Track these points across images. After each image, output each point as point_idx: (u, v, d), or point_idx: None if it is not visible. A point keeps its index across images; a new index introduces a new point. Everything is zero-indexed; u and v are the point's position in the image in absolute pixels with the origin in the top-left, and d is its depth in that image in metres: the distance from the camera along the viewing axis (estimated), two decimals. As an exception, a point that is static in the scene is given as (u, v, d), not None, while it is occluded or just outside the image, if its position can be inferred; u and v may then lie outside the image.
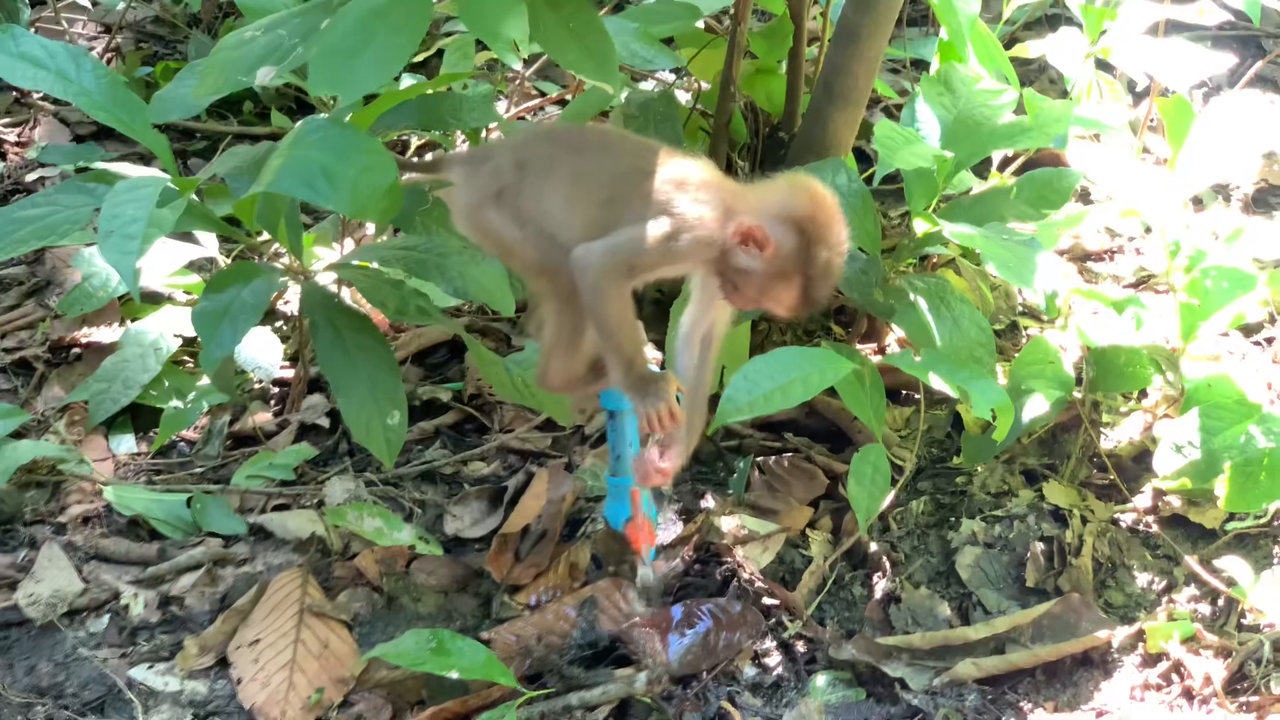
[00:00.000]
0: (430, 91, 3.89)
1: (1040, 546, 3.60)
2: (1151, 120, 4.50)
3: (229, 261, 4.30)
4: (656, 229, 2.96)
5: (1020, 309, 4.39)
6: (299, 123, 3.24)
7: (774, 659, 3.42)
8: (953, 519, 3.73)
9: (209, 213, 3.41)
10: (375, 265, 3.61)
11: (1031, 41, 4.40)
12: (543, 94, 5.51)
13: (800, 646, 3.44)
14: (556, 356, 3.20)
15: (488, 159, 3.18)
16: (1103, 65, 4.38)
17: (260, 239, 4.15)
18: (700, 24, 4.30)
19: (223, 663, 3.42)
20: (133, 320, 4.33)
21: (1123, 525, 3.74)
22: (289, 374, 4.30)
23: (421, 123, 3.84)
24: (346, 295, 3.67)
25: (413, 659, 3.18)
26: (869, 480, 3.47)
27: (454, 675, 3.15)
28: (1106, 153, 3.69)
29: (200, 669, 3.41)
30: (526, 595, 3.56)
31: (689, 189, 3.00)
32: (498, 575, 3.61)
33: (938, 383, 3.35)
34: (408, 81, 5.19)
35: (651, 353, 3.27)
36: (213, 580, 3.65)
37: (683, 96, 4.55)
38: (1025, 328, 4.32)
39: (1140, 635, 3.41)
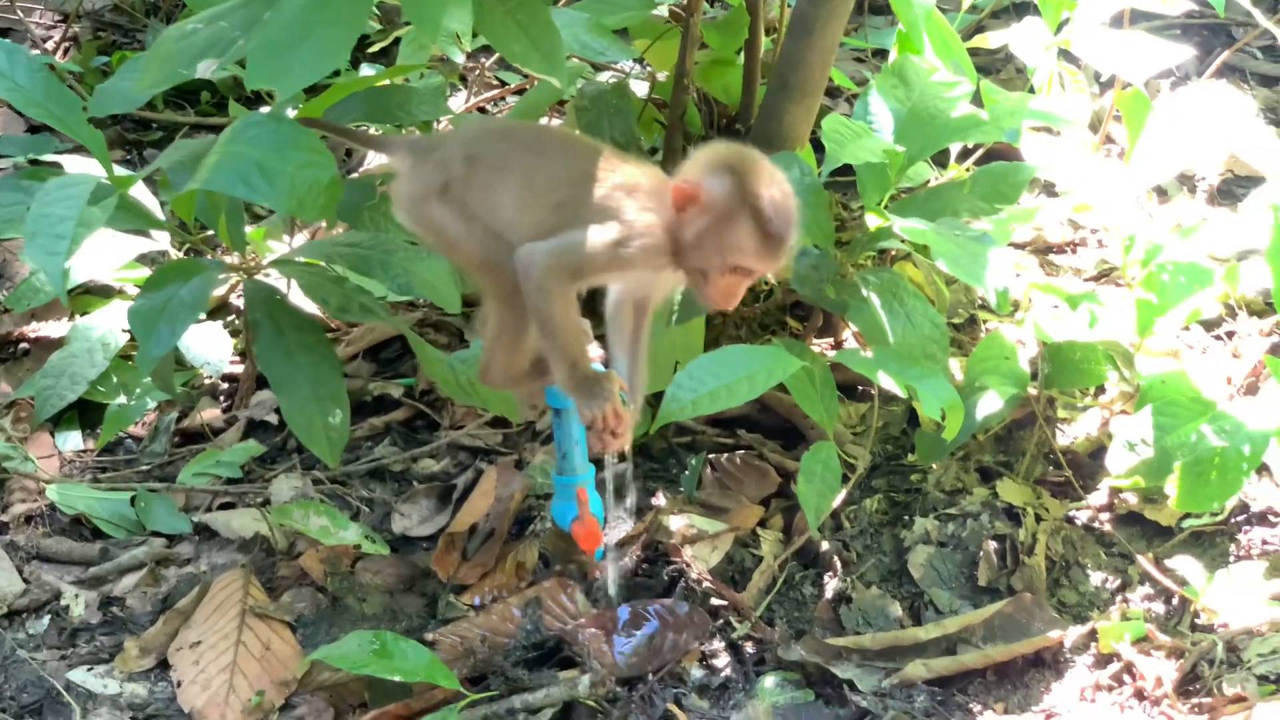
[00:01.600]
0: (381, 84, 3.84)
1: (993, 545, 3.56)
2: (1116, 112, 4.45)
3: (181, 255, 4.25)
4: (605, 234, 2.92)
5: (979, 303, 4.34)
6: (238, 118, 3.19)
7: (722, 660, 3.37)
8: (906, 517, 3.68)
9: (145, 210, 3.36)
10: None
11: (995, 32, 4.34)
12: (504, 84, 5.45)
13: (749, 647, 3.40)
14: (499, 353, 3.16)
15: (436, 149, 3.12)
16: (1070, 55, 4.33)
17: (210, 232, 4.09)
18: (663, 10, 4.24)
19: (163, 665, 3.38)
20: (82, 315, 4.27)
21: (1077, 523, 3.70)
22: (240, 369, 4.24)
23: (369, 115, 3.80)
24: (296, 291, 3.61)
25: (354, 662, 3.13)
26: (819, 479, 3.43)
27: (396, 678, 3.11)
28: (1061, 147, 3.65)
29: (140, 671, 3.37)
30: (472, 595, 3.51)
31: (638, 197, 2.96)
32: (443, 575, 3.56)
33: (887, 381, 3.31)
34: (368, 72, 5.14)
35: (593, 350, 3.21)
36: (155, 580, 3.60)
37: (643, 88, 4.49)
38: (984, 321, 4.27)
39: (1093, 635, 3.37)
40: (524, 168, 3.04)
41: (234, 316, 4.41)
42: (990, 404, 3.59)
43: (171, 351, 3.45)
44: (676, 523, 3.63)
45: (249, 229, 4.49)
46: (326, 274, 3.43)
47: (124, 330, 4.10)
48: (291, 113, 3.45)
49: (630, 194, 2.96)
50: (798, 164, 3.65)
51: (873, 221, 3.57)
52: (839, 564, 3.58)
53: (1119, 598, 3.52)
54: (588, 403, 3.03)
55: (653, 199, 2.96)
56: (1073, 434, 3.89)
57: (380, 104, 3.74)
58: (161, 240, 4.02)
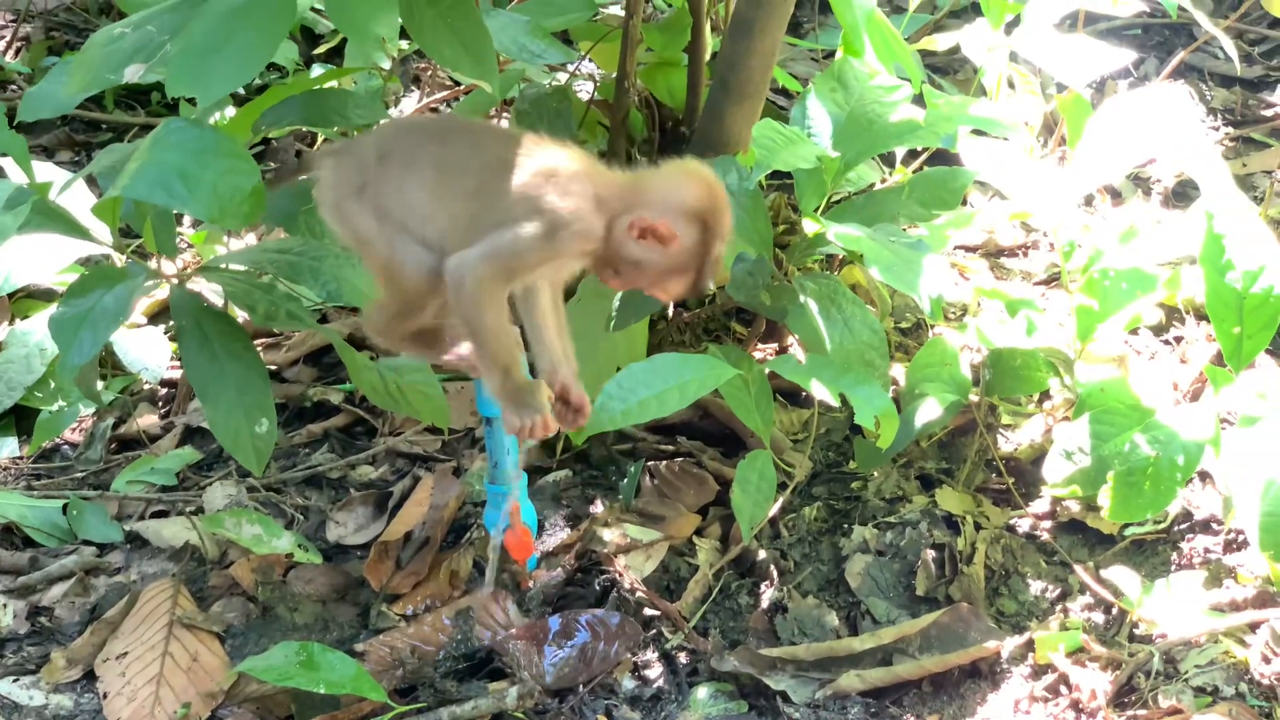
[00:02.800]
0: (324, 86, 3.80)
1: (931, 554, 3.53)
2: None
3: (125, 259, 4.21)
4: (532, 229, 2.84)
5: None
6: (161, 123, 3.15)
7: (654, 671, 3.34)
8: (845, 525, 3.65)
9: (68, 215, 3.30)
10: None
11: (943, 34, 4.31)
12: (457, 84, 5.41)
13: (682, 658, 3.36)
14: (380, 319, 3.13)
15: (351, 150, 3.08)
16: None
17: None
18: (616, 8, 4.20)
19: (90, 676, 3.35)
20: (23, 319, 4.23)
21: (1019, 531, 3.67)
22: (178, 374, 4.20)
23: (306, 119, 3.74)
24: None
25: (280, 674, 3.11)
26: (754, 488, 3.40)
27: (322, 690, 3.08)
28: (999, 151, 3.61)
29: (67, 682, 3.33)
30: (405, 605, 3.48)
31: (560, 180, 2.88)
32: (375, 584, 3.53)
33: (820, 390, 3.28)
34: (319, 73, 5.10)
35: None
36: (84, 590, 3.57)
37: (588, 91, 4.45)
38: (931, 326, 4.24)
39: (1031, 645, 3.33)
40: (433, 158, 2.97)
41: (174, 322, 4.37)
42: (930, 411, 3.56)
43: (95, 359, 3.40)
44: (611, 533, 3.59)
45: (192, 232, 4.48)
46: (255, 281, 3.38)
47: (63, 336, 4.07)
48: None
49: (551, 179, 2.88)
50: (735, 169, 3.61)
51: (810, 227, 3.54)
52: (775, 573, 3.54)
53: (1059, 607, 3.49)
54: (517, 412, 2.99)
55: (577, 183, 2.89)
56: (1016, 441, 3.85)
57: (317, 107, 3.68)
58: (105, 244, 3.99)
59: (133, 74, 3.20)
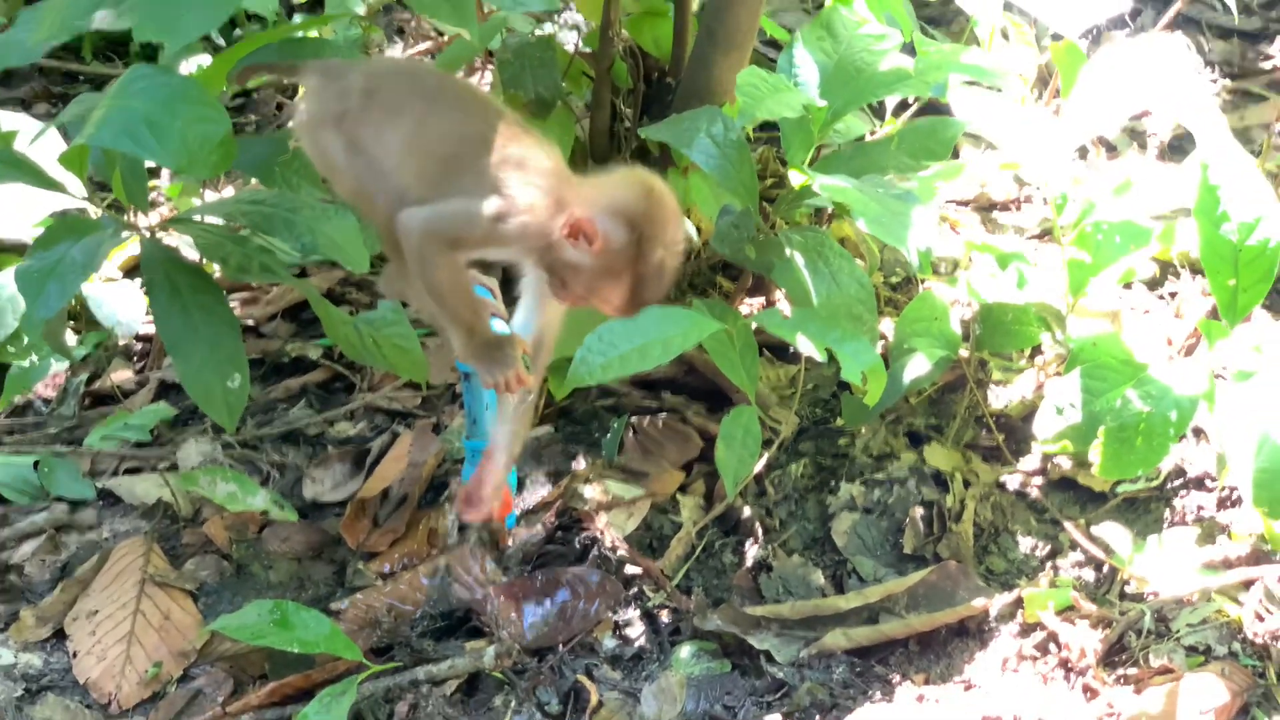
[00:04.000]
0: (302, 34, 3.72)
1: (920, 511, 3.46)
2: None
3: (99, 211, 4.14)
4: (485, 207, 2.81)
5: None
6: (126, 70, 3.07)
7: (635, 630, 3.28)
8: (832, 483, 3.58)
9: (33, 165, 3.22)
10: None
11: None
12: (440, 34, 5.32)
13: (664, 617, 3.30)
14: (408, 288, 3.11)
15: (340, 76, 3.03)
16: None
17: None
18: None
19: (60, 634, 3.30)
20: (-4, 273, 4.16)
21: (1008, 489, 3.60)
22: (153, 329, 4.12)
23: (285, 58, 3.67)
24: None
25: (253, 632, 3.05)
26: (739, 444, 3.33)
27: (296, 649, 3.02)
28: (990, 101, 3.52)
29: (36, 641, 3.28)
30: (381, 563, 3.42)
31: (527, 172, 2.85)
32: (352, 542, 3.46)
33: (805, 345, 3.20)
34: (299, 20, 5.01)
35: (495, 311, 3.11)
36: (55, 548, 3.50)
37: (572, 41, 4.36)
38: (921, 281, 4.15)
39: (1019, 604, 3.26)
40: (418, 113, 2.93)
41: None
42: (918, 366, 3.49)
43: (64, 313, 3.35)
44: (591, 490, 3.52)
45: (167, 184, 4.40)
46: (227, 234, 3.30)
47: (36, 289, 3.99)
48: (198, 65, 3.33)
49: (519, 168, 2.85)
50: (721, 119, 3.51)
51: (796, 179, 3.46)
52: (760, 531, 3.47)
53: (1048, 565, 3.43)
54: (488, 369, 2.93)
55: (543, 179, 2.86)
56: (1006, 397, 3.77)
57: (293, 55, 3.60)
58: (77, 196, 3.92)
59: (102, 20, 3.10)
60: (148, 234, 3.28)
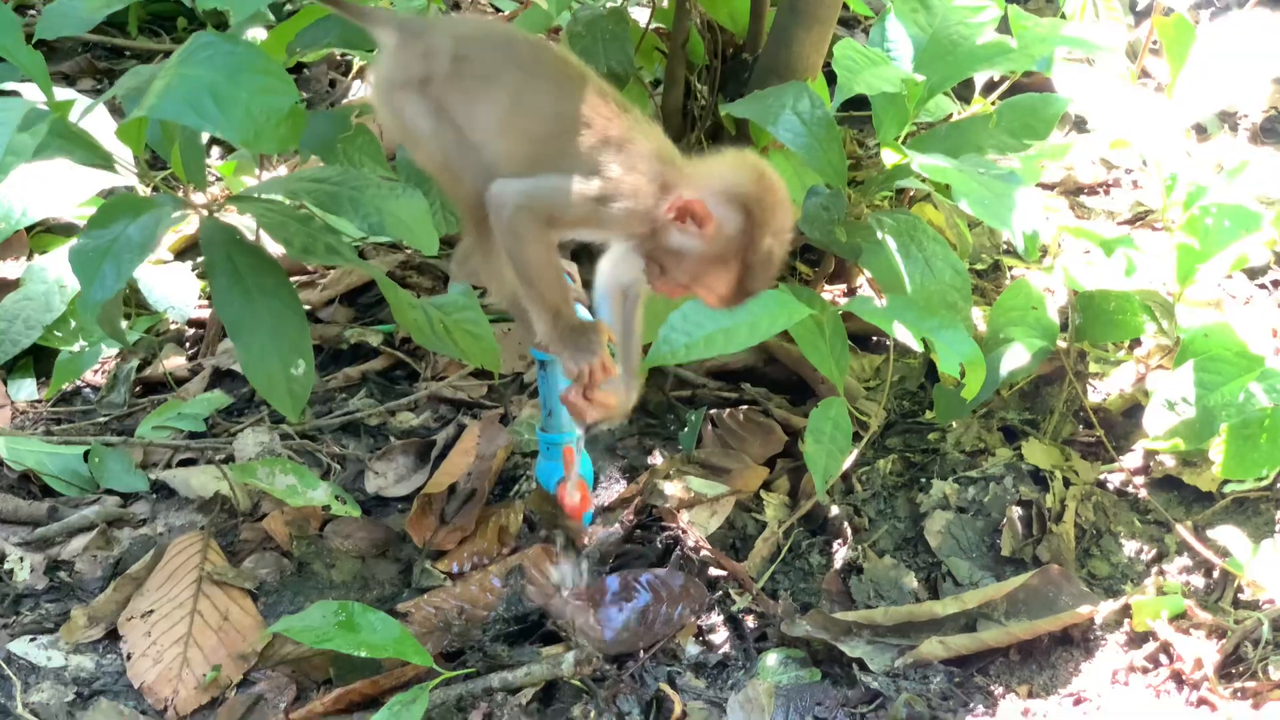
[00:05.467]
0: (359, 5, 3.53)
1: (1018, 511, 3.27)
2: (1153, 43, 4.13)
3: (149, 191, 3.98)
4: (586, 187, 2.62)
5: (1004, 248, 4.04)
6: (189, 38, 2.89)
7: (720, 636, 3.09)
8: (923, 480, 3.40)
9: (89, 138, 3.04)
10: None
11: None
12: (497, 10, 5.14)
13: (750, 622, 3.11)
14: (485, 270, 2.91)
15: (424, 36, 2.82)
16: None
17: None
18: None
19: (113, 635, 3.12)
20: (41, 254, 3.99)
21: (1109, 488, 3.41)
22: (208, 314, 3.96)
23: (344, 41, 3.50)
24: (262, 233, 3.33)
25: (317, 635, 2.87)
26: (828, 438, 3.16)
27: (363, 653, 2.84)
28: (1096, 77, 3.33)
29: (88, 642, 3.11)
30: (450, 562, 3.24)
31: (631, 155, 2.65)
32: (419, 540, 3.28)
33: (902, 333, 3.02)
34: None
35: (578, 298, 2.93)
36: (107, 543, 3.33)
37: (644, 16, 4.18)
38: (1010, 268, 3.97)
39: (1126, 611, 3.08)
40: (514, 86, 2.74)
41: (202, 258, 4.12)
42: (1016, 358, 3.31)
43: (119, 296, 3.16)
44: (673, 486, 3.34)
45: (220, 163, 4.23)
46: (290, 212, 3.12)
47: (85, 271, 3.83)
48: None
49: (622, 150, 2.65)
50: (808, 96, 3.35)
51: (889, 158, 3.28)
52: (849, 531, 3.29)
53: (1155, 570, 3.24)
54: (573, 355, 2.75)
55: (645, 162, 2.66)
56: (1105, 391, 3.59)
57: (355, 29, 3.43)
58: (128, 175, 3.76)
59: (157, -14, 2.95)
60: (206, 213, 3.11)
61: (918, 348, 3.02)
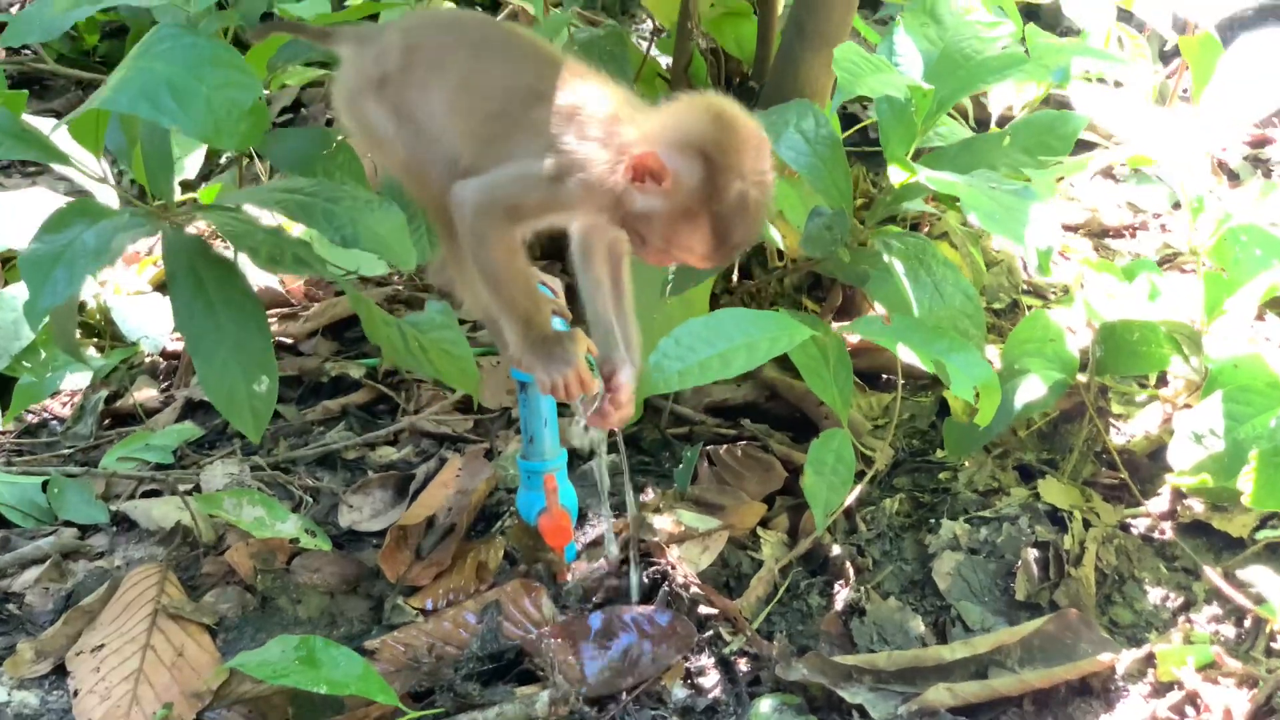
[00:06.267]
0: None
1: (1034, 553, 3.04)
2: (1183, 90, 3.94)
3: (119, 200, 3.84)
4: (539, 169, 2.45)
5: (1024, 287, 3.83)
6: (150, 31, 2.73)
7: (710, 679, 2.86)
8: (932, 520, 3.18)
9: (41, 137, 2.87)
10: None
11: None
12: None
13: (742, 664, 2.88)
14: (460, 280, 2.77)
15: (376, 38, 2.69)
16: (1130, 19, 3.83)
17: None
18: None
19: (60, 670, 2.90)
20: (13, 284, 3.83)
21: (1133, 532, 3.18)
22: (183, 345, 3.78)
23: (326, 53, 3.34)
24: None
25: (275, 671, 2.65)
26: (829, 470, 2.95)
27: (323, 690, 2.62)
28: (1115, 96, 3.14)
29: (33, 677, 2.89)
30: (424, 599, 3.02)
31: (582, 122, 2.47)
32: (391, 575, 3.07)
33: (907, 355, 2.82)
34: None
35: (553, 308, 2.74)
36: (60, 575, 3.13)
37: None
38: (1028, 307, 3.76)
39: (1150, 660, 2.84)
40: (462, 67, 2.59)
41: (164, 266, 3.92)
42: (1032, 389, 3.10)
43: (73, 307, 3.00)
44: (662, 520, 3.13)
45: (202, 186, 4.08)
46: (257, 222, 2.95)
47: (57, 299, 3.66)
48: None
49: (573, 119, 2.47)
50: (813, 114, 3.17)
51: (896, 176, 3.08)
52: (852, 571, 3.06)
53: (1182, 618, 3.00)
54: (545, 367, 2.57)
55: (600, 126, 2.47)
56: (1128, 433, 3.38)
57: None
58: (95, 178, 3.62)
59: (131, -20, 2.80)
60: (170, 223, 2.93)
61: (927, 368, 2.81)
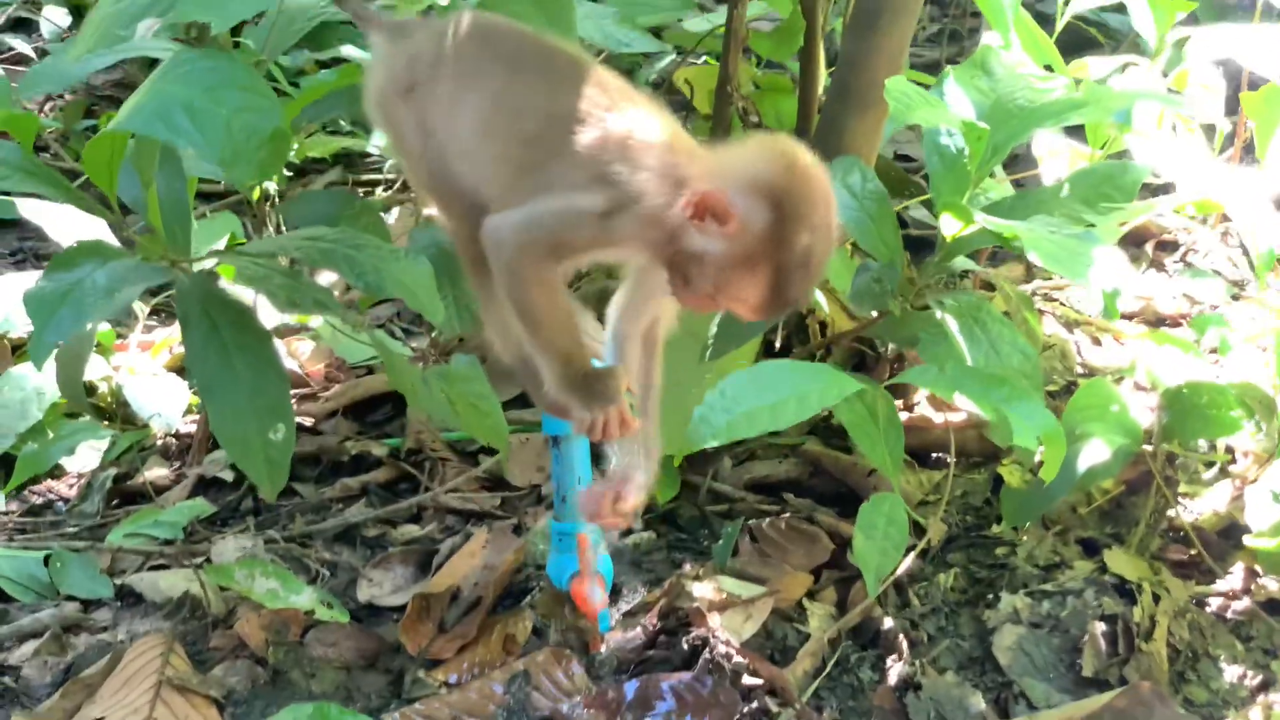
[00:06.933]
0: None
1: (1101, 627, 2.84)
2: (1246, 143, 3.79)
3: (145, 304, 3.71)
4: (587, 202, 2.25)
5: (1079, 368, 3.65)
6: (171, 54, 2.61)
7: (755, 754, 2.65)
8: (990, 596, 2.97)
9: (53, 174, 2.74)
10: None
11: (1092, 58, 3.69)
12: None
13: (790, 740, 2.67)
14: (487, 315, 2.57)
15: (410, 36, 2.53)
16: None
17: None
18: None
19: (57, 745, 2.70)
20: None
21: (1207, 609, 2.97)
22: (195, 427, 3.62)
23: (353, 113, 3.24)
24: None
25: (284, 741, 2.45)
26: (881, 533, 2.75)
27: (336, 762, 2.43)
28: (1177, 146, 3.00)
29: (28, 754, 2.69)
30: (447, 672, 2.82)
31: (636, 150, 2.27)
32: (413, 646, 2.86)
33: (964, 403, 2.65)
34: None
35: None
36: (60, 648, 2.93)
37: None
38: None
39: (1229, 738, 2.64)
40: (495, 84, 2.39)
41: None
42: (1096, 453, 2.92)
43: (81, 351, 2.84)
44: (701, 587, 2.93)
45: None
46: (276, 266, 2.81)
47: (66, 379, 3.52)
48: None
49: (625, 146, 2.27)
50: (859, 169, 3.04)
51: (949, 227, 2.93)
52: (905, 645, 2.85)
53: (1260, 697, 2.78)
54: (585, 402, 2.36)
55: (653, 155, 2.27)
56: (1196, 510, 3.18)
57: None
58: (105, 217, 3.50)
59: (146, 29, 2.70)
60: (183, 268, 2.79)
61: (986, 416, 2.62)
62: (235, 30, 3.27)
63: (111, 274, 2.66)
